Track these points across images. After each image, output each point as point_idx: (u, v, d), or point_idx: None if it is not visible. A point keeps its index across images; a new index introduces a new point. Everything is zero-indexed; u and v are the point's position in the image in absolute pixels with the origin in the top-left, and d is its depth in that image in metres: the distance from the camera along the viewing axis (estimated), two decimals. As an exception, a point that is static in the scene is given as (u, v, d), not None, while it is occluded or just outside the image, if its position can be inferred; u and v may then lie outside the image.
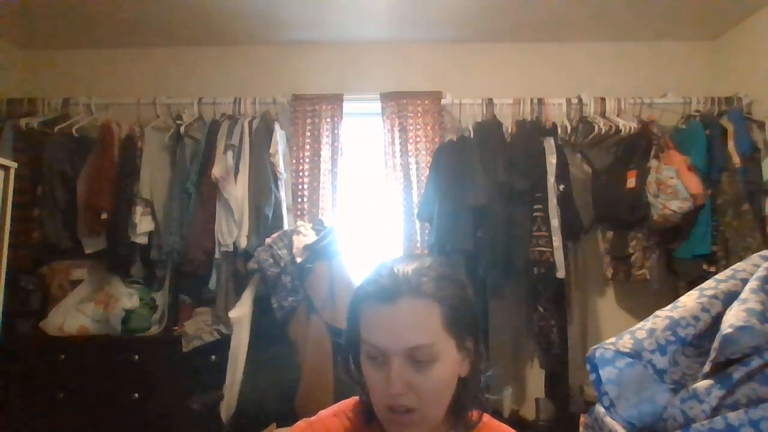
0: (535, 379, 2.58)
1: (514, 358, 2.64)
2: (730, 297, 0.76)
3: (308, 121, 2.69)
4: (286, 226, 2.46)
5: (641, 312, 2.50)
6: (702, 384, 0.70)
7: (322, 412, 0.89)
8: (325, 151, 2.66)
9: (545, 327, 2.30)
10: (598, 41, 2.88)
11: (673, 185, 2.25)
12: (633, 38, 2.85)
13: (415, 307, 0.75)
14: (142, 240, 2.45)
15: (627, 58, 2.87)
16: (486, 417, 0.85)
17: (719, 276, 0.82)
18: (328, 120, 2.68)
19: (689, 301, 0.80)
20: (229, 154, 2.42)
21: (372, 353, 0.76)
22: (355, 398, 0.89)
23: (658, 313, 0.81)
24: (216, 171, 2.36)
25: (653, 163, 2.37)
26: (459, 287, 0.79)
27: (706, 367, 0.71)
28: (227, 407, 2.09)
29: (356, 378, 0.83)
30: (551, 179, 2.34)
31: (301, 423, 0.88)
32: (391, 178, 2.66)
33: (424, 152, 2.65)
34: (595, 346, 0.80)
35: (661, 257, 2.46)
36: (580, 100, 2.59)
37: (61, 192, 2.48)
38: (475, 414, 0.83)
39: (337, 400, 0.91)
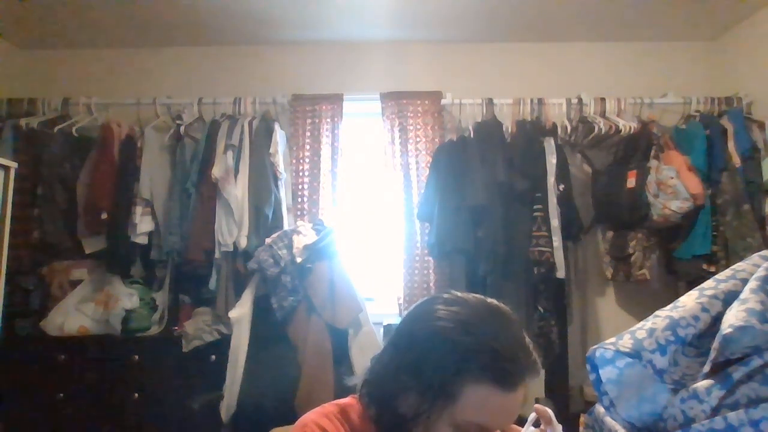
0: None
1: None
2: (730, 297, 0.76)
3: (308, 121, 2.69)
4: (286, 226, 2.46)
5: (641, 312, 2.49)
6: (702, 384, 0.70)
7: (311, 416, 0.82)
8: (325, 151, 2.66)
9: (545, 327, 2.30)
10: (598, 41, 2.87)
11: (673, 185, 2.25)
12: (633, 38, 2.85)
13: (527, 385, 0.75)
14: (142, 240, 2.45)
15: (627, 58, 2.87)
16: None
17: (719, 276, 0.82)
18: (328, 120, 2.68)
19: (689, 301, 0.80)
20: (229, 154, 2.42)
21: (468, 429, 0.73)
22: (334, 403, 0.85)
23: (658, 313, 0.81)
24: (216, 171, 2.36)
25: (653, 163, 2.37)
26: None
27: (706, 367, 0.71)
28: (227, 407, 2.09)
29: (405, 423, 0.74)
30: (551, 179, 2.34)
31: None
32: (391, 178, 2.66)
33: (424, 152, 2.65)
34: (595, 346, 0.80)
35: (661, 257, 2.46)
36: (580, 100, 2.59)
37: (61, 192, 2.47)
38: None
39: (336, 399, 0.90)
